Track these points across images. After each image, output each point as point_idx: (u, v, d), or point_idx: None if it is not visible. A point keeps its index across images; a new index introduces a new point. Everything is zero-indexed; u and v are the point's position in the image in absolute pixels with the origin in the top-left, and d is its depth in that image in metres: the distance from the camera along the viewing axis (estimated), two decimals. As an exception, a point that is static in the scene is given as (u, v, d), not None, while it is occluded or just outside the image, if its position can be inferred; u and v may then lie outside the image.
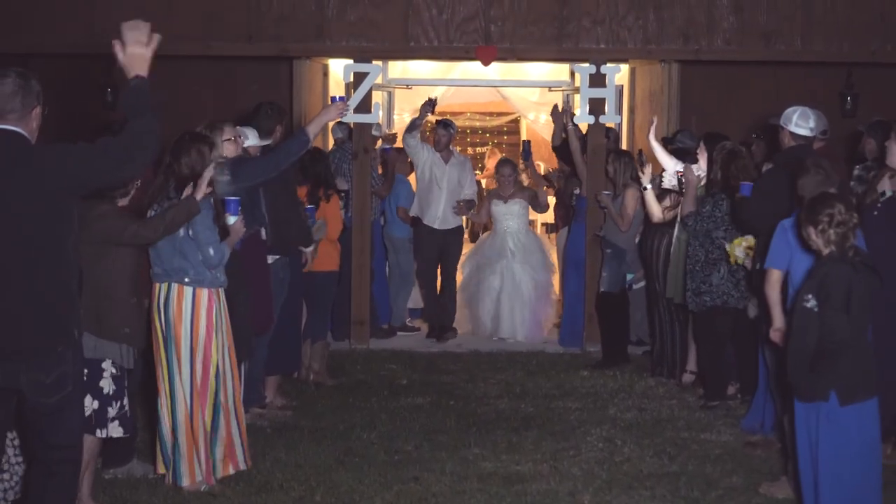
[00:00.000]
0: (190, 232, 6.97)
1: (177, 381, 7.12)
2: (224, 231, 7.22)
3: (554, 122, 12.86)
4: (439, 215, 12.47)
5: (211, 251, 7.06)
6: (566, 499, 7.25)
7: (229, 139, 8.00)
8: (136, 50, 5.49)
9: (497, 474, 7.67)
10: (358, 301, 11.87)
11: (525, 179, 14.32)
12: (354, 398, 9.68)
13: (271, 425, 8.73)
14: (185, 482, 7.15)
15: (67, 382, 5.39)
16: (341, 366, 10.83)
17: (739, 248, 8.72)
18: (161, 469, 7.30)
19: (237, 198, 7.45)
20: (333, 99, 8.53)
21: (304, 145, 8.18)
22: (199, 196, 6.84)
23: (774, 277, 7.10)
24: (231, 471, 7.35)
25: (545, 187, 13.85)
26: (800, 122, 8.29)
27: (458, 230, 12.94)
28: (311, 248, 9.12)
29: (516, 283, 12.47)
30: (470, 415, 9.21)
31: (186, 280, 7.09)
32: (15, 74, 5.37)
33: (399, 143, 12.87)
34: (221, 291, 7.25)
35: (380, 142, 12.64)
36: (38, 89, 5.43)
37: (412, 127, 12.41)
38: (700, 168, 9.57)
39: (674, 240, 9.83)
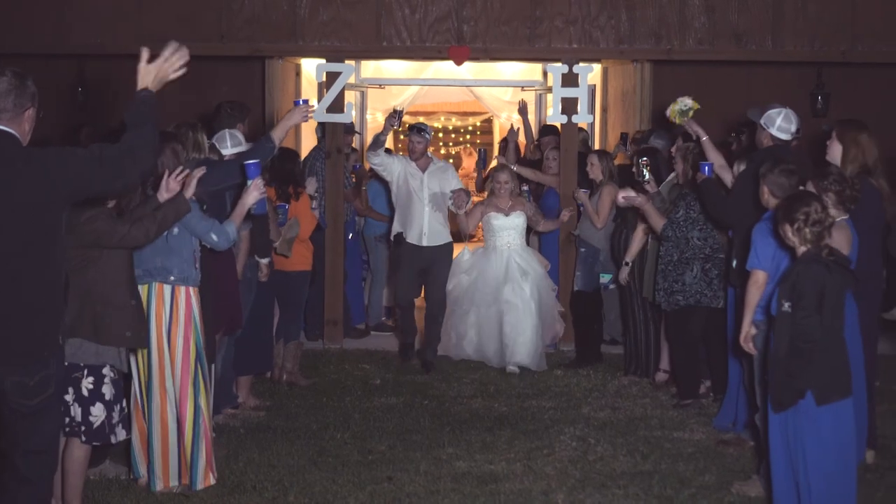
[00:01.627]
0: (175, 231, 6.96)
1: (155, 382, 7.10)
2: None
3: (522, 120, 13.01)
4: (425, 231, 11.06)
5: (214, 236, 7.11)
6: (540, 498, 7.26)
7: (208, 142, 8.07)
8: (162, 67, 5.41)
9: (471, 474, 7.67)
10: (331, 301, 11.85)
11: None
12: (328, 398, 9.67)
13: (244, 426, 8.70)
14: (159, 486, 7.12)
15: (49, 384, 5.36)
16: (315, 366, 10.81)
17: (679, 109, 8.87)
18: (142, 471, 7.27)
19: (256, 161, 7.50)
20: (297, 102, 8.30)
21: (271, 152, 7.98)
22: (188, 194, 6.80)
23: (760, 279, 7.03)
24: (212, 481, 7.31)
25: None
26: (782, 125, 8.31)
27: (448, 247, 11.28)
28: (266, 260, 9.01)
29: (525, 308, 11.03)
30: (444, 414, 9.21)
31: (171, 278, 7.08)
32: (11, 74, 5.30)
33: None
34: (197, 290, 7.23)
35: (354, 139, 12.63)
36: (34, 90, 5.37)
37: (375, 144, 10.99)
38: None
39: (649, 240, 9.84)
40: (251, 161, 7.45)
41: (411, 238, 11.10)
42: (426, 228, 11.09)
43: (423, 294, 11.56)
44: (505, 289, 11.02)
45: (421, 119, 21.30)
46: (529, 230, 11.62)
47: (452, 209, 11.11)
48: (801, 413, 6.16)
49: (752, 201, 7.98)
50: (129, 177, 5.38)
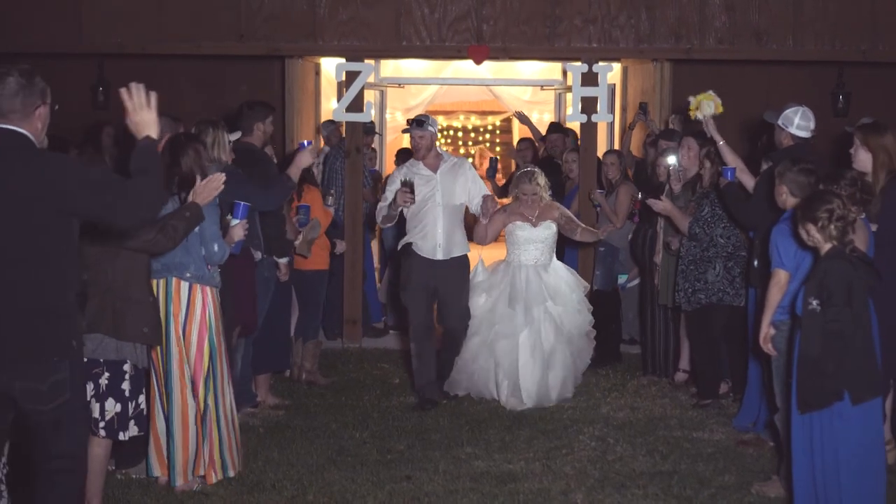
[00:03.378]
0: (196, 228, 6.98)
1: (174, 378, 7.11)
2: (224, 230, 7.24)
3: (528, 126, 13.35)
4: (440, 242, 9.54)
5: (215, 247, 7.09)
6: (559, 497, 7.24)
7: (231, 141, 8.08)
8: (142, 115, 5.37)
9: (490, 473, 7.66)
10: (350, 300, 11.86)
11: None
12: (347, 397, 9.68)
13: (263, 425, 8.71)
14: (179, 482, 7.14)
15: (64, 390, 5.29)
16: (333, 365, 10.82)
17: (707, 105, 8.82)
18: (156, 471, 7.28)
19: (247, 204, 7.48)
20: (301, 145, 8.54)
21: (290, 191, 8.64)
22: (201, 202, 6.80)
23: (783, 279, 6.96)
24: (221, 476, 7.32)
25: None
26: (801, 124, 8.28)
27: (464, 260, 9.74)
28: (285, 260, 9.01)
29: (558, 335, 9.63)
30: (462, 414, 9.20)
31: (187, 275, 7.08)
32: (17, 73, 5.25)
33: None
34: (217, 293, 7.24)
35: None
36: (43, 87, 5.33)
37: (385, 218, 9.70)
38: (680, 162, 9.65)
39: (660, 244, 9.83)
40: (243, 203, 7.44)
41: (423, 250, 9.57)
42: (442, 239, 9.57)
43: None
44: (535, 312, 9.57)
45: (441, 118, 21.37)
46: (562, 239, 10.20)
47: (479, 216, 9.69)
48: (834, 414, 6.13)
49: (773, 202, 7.96)
50: (135, 217, 5.35)
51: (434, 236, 9.55)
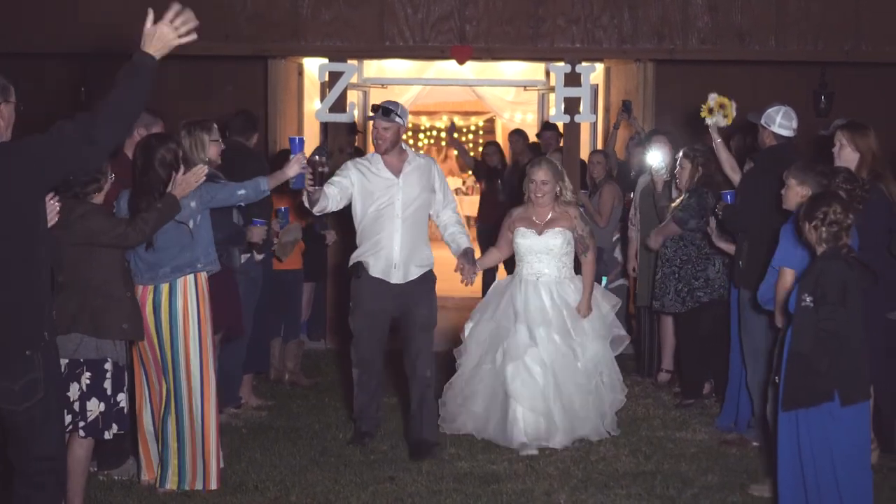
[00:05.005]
0: (199, 218, 7.02)
1: (183, 381, 7.06)
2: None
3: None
4: (396, 260, 8.02)
5: (242, 191, 7.27)
6: (542, 498, 7.24)
7: (216, 140, 8.02)
8: (163, 31, 5.36)
9: (473, 474, 7.66)
10: (333, 301, 11.83)
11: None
12: (330, 398, 9.68)
13: (246, 426, 8.71)
14: (169, 485, 7.10)
15: (38, 389, 5.22)
16: (317, 366, 10.82)
17: (719, 114, 8.69)
18: (145, 473, 7.25)
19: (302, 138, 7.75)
20: (293, 143, 7.68)
21: (261, 195, 7.43)
22: (179, 194, 6.79)
23: (790, 277, 6.87)
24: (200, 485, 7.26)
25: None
26: (783, 123, 8.29)
27: (428, 280, 8.22)
28: (261, 256, 8.99)
29: (572, 367, 8.23)
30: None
31: (199, 265, 7.06)
32: None
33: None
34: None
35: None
36: (4, 84, 5.28)
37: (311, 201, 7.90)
38: (661, 160, 9.64)
39: (638, 246, 9.86)
40: (297, 137, 7.71)
41: (376, 270, 8.05)
42: (398, 256, 8.03)
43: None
44: (532, 336, 8.23)
45: (423, 119, 21.34)
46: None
47: (462, 278, 8.10)
48: (824, 413, 6.15)
49: (758, 202, 7.99)
50: (99, 144, 5.16)
51: (390, 254, 8.03)
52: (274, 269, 9.41)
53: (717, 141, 8.83)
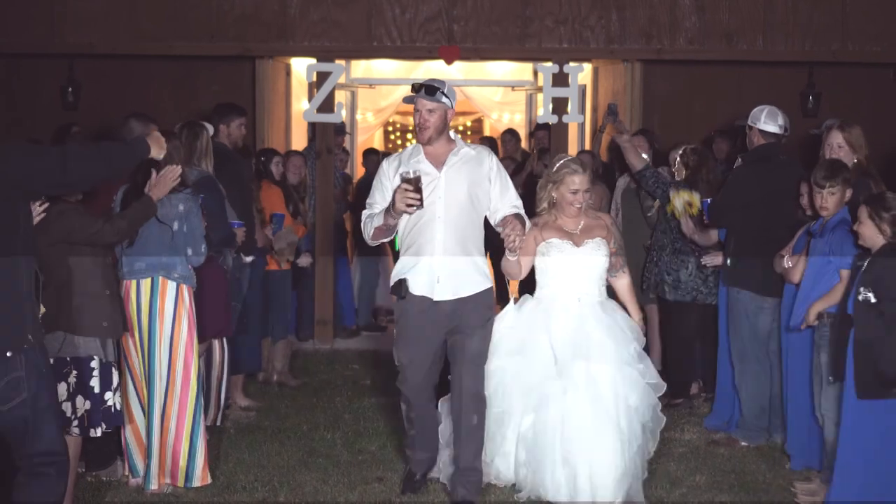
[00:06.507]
0: (185, 227, 6.97)
1: (156, 381, 7.06)
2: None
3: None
4: (441, 274, 6.65)
5: (202, 247, 7.12)
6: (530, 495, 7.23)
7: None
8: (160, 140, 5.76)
9: (461, 474, 7.63)
10: (321, 301, 11.83)
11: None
12: (318, 398, 9.66)
13: (234, 426, 8.69)
14: (153, 485, 7.09)
15: (21, 388, 5.23)
16: (305, 366, 10.81)
17: (679, 199, 8.76)
18: (140, 469, 7.23)
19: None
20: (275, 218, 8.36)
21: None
22: (155, 196, 6.79)
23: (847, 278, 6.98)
24: (208, 479, 7.26)
25: None
26: (768, 121, 8.31)
27: (485, 298, 6.80)
28: (250, 258, 8.97)
29: (603, 409, 6.66)
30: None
31: (175, 275, 7.04)
32: None
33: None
34: (192, 294, 7.21)
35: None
36: None
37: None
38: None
39: None
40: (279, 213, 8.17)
41: (417, 287, 6.70)
42: (441, 267, 6.65)
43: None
44: (568, 376, 6.72)
45: (412, 119, 21.29)
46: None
47: (507, 252, 6.66)
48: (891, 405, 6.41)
49: (745, 200, 8.02)
50: (73, 177, 5.38)
51: (430, 266, 6.66)
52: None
53: (626, 138, 9.18)
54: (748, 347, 8.24)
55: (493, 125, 17.47)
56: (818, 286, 7.09)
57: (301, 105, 12.86)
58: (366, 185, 11.10)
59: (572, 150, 12.44)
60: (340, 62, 11.93)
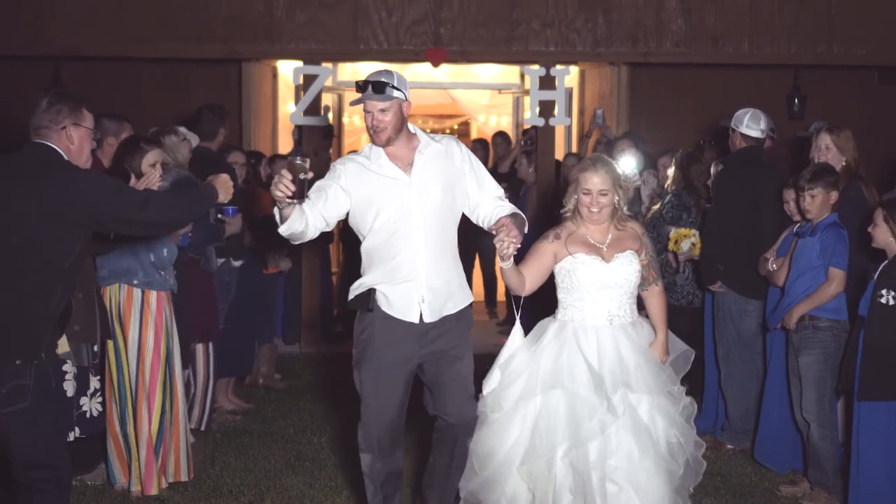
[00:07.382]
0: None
1: (125, 386, 7.05)
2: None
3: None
4: (425, 294, 5.79)
5: (164, 252, 7.03)
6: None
7: (185, 140, 8.00)
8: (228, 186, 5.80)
9: (448, 477, 7.63)
10: (308, 304, 11.82)
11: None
12: (304, 402, 9.65)
13: (220, 430, 8.67)
14: (135, 489, 7.08)
15: (24, 396, 5.23)
16: (291, 369, 10.79)
17: (687, 241, 8.73)
18: (119, 476, 7.21)
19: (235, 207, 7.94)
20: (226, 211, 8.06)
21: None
22: None
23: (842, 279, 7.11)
24: (171, 480, 7.23)
25: None
26: (751, 124, 8.32)
27: (465, 316, 5.99)
28: (240, 262, 8.95)
29: (647, 445, 5.77)
30: (423, 416, 9.16)
31: (135, 282, 7.01)
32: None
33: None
34: (170, 297, 7.18)
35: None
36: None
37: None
38: (634, 166, 9.68)
39: None
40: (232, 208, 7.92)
41: (395, 307, 5.80)
42: (427, 286, 5.79)
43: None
44: (611, 406, 5.71)
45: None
46: None
47: (500, 259, 5.65)
48: None
49: (732, 204, 8.04)
50: (148, 226, 5.58)
51: (413, 284, 5.78)
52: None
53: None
54: (733, 350, 8.25)
55: (480, 128, 17.49)
56: (801, 286, 7.11)
57: (288, 108, 12.86)
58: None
59: (559, 153, 12.45)
60: (327, 65, 11.93)
